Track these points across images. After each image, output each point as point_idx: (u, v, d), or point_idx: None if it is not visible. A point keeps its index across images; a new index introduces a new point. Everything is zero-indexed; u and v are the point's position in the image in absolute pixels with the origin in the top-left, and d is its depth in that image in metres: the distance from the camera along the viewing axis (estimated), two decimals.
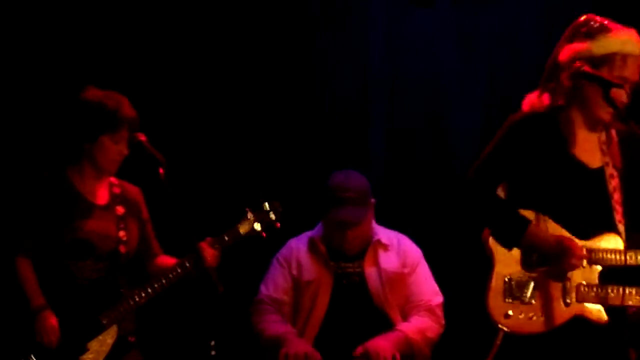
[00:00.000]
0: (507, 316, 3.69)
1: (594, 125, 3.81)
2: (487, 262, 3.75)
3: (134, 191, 4.73)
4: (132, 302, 4.47)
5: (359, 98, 6.16)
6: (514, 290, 3.71)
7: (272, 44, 6.05)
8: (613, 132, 3.85)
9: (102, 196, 4.64)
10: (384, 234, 5.17)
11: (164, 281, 4.48)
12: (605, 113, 3.75)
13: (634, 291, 3.76)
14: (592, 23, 3.78)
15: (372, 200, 5.12)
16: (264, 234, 4.62)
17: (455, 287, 5.28)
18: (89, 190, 4.60)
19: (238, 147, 5.98)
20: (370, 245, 5.11)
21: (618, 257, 3.76)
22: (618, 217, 3.77)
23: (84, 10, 5.82)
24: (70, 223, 4.49)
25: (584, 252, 3.73)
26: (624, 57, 3.72)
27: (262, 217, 4.61)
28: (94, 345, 4.44)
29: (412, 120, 6.18)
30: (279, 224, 4.61)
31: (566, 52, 3.77)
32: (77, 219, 4.51)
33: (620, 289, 3.75)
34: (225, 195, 5.79)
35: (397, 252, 5.15)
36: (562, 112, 3.79)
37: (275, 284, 5.09)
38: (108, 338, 4.46)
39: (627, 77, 3.72)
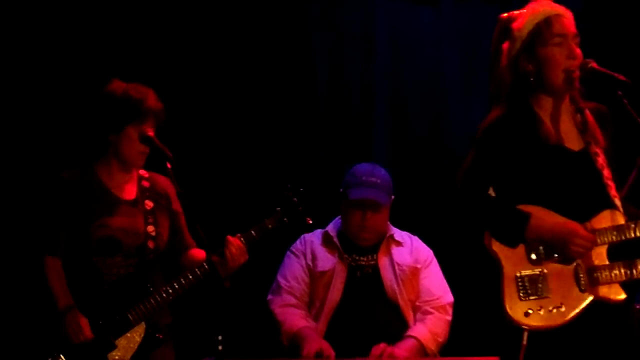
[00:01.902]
0: (527, 314, 3.66)
1: (562, 106, 3.84)
2: (494, 266, 3.72)
3: (165, 183, 4.66)
4: (159, 299, 4.47)
5: (363, 97, 6.18)
6: (527, 288, 3.69)
7: (274, 43, 6.06)
8: (587, 112, 3.88)
9: (130, 191, 4.63)
10: (397, 232, 5.24)
11: (191, 277, 4.48)
12: (567, 77, 3.78)
13: None
14: (504, 21, 3.86)
15: (392, 196, 5.17)
16: (310, 220, 4.67)
17: (459, 289, 5.28)
18: (116, 185, 4.61)
19: (243, 150, 6.00)
20: (384, 239, 5.16)
21: (622, 232, 3.77)
22: (612, 192, 3.79)
23: (87, 11, 5.85)
24: (97, 220, 4.50)
25: (589, 237, 3.72)
26: (547, 20, 3.80)
27: (291, 211, 4.65)
28: (121, 342, 4.47)
29: (415, 119, 6.20)
30: (309, 219, 4.68)
31: (503, 56, 3.82)
32: (104, 216, 4.52)
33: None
34: (233, 194, 5.83)
35: (410, 249, 5.22)
36: (530, 105, 3.81)
37: (293, 274, 5.13)
38: (136, 335, 4.48)
39: (564, 33, 3.79)
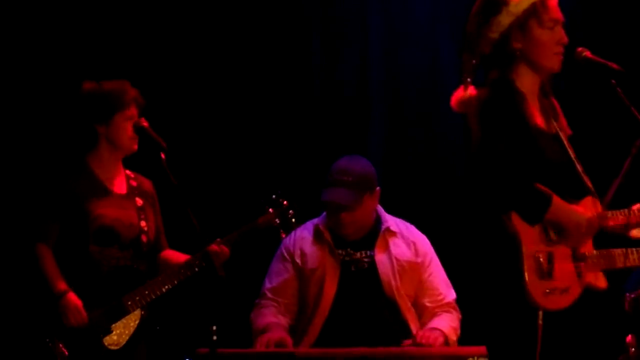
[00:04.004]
0: (545, 294, 3.60)
1: (538, 87, 3.81)
2: (512, 243, 3.61)
3: (149, 184, 4.83)
4: (156, 289, 4.57)
5: (359, 88, 6.18)
6: (544, 267, 3.62)
7: (268, 35, 6.06)
8: (553, 99, 3.87)
9: (121, 186, 4.73)
10: (392, 222, 5.15)
11: (188, 269, 4.59)
12: (556, 61, 3.77)
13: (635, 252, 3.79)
14: None
15: (377, 188, 5.09)
16: (283, 234, 4.85)
17: (456, 281, 5.26)
18: (108, 178, 4.70)
19: (237, 140, 6.00)
20: (380, 233, 5.08)
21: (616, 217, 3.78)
22: (586, 178, 3.79)
23: (83, 9, 5.85)
24: (95, 211, 4.58)
25: (597, 224, 3.72)
26: (543, 2, 3.75)
27: (281, 214, 4.78)
28: (117, 327, 4.53)
29: (410, 108, 6.19)
30: (295, 224, 4.84)
31: (493, 28, 3.76)
32: (101, 207, 4.60)
33: (624, 251, 3.78)
34: (228, 190, 5.83)
35: (406, 240, 5.13)
36: (513, 81, 3.77)
37: (278, 278, 5.07)
38: (131, 321, 4.55)
39: (557, 18, 3.76)
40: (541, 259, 3.64)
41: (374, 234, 5.10)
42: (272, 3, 6.13)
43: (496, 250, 3.68)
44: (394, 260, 5.04)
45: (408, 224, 5.21)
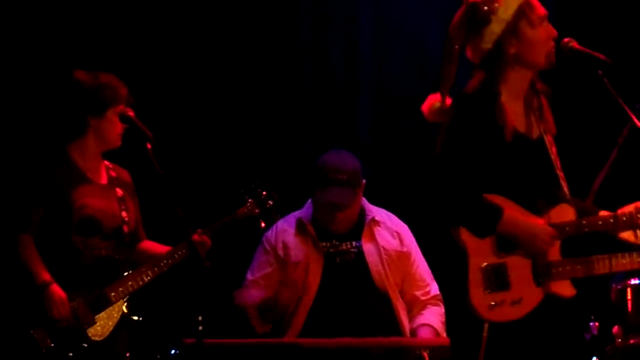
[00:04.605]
0: (491, 307, 3.63)
1: (524, 90, 3.82)
2: (461, 256, 3.66)
3: (127, 174, 4.84)
4: (139, 279, 4.58)
5: (348, 79, 6.17)
6: (492, 280, 3.65)
7: (258, 31, 6.04)
8: (542, 97, 3.88)
9: (102, 176, 4.72)
10: (376, 211, 5.14)
11: (170, 260, 4.63)
12: (551, 56, 3.79)
13: (617, 256, 3.79)
14: (479, 4, 3.79)
15: (363, 181, 5.07)
16: (263, 223, 4.82)
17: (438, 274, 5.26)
18: (89, 169, 4.69)
19: (224, 128, 5.98)
20: (366, 223, 5.06)
21: (578, 228, 3.76)
22: (564, 184, 3.80)
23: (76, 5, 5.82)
24: (78, 200, 4.57)
25: (553, 233, 3.71)
26: (527, 2, 3.78)
27: (260, 204, 4.80)
28: (101, 318, 4.53)
29: (398, 101, 6.19)
30: (275, 214, 4.87)
31: (486, 39, 3.78)
32: (85, 196, 4.59)
33: (609, 255, 3.78)
34: (213, 179, 5.81)
35: (390, 230, 5.11)
36: (493, 87, 3.77)
37: (260, 271, 5.06)
38: (115, 312, 4.56)
39: (543, 14, 3.79)
40: (489, 272, 3.66)
41: (360, 224, 5.08)
42: (261, 4, 6.10)
43: (446, 262, 3.73)
44: (382, 250, 5.03)
45: (390, 214, 5.20)
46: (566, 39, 3.86)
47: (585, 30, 3.99)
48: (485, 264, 3.66)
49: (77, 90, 4.64)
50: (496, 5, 3.78)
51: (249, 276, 5.08)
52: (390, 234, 5.11)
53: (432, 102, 3.87)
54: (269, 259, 5.06)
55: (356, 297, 4.96)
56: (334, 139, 5.69)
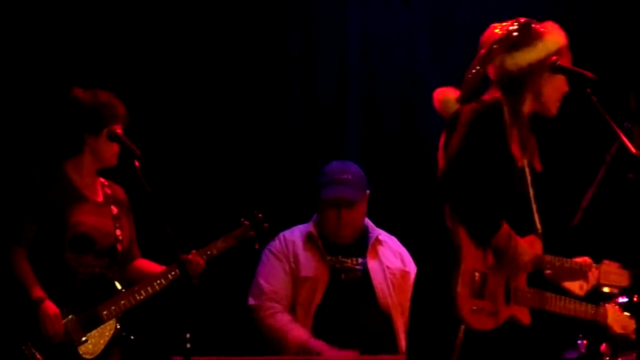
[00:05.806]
0: (473, 311, 3.66)
1: (525, 122, 3.86)
2: (452, 255, 3.67)
3: (122, 192, 4.83)
4: (131, 298, 4.57)
5: (337, 94, 6.17)
6: (478, 285, 3.68)
7: (247, 42, 6.04)
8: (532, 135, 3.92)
9: (97, 193, 4.72)
10: (379, 232, 5.19)
11: (163, 280, 4.62)
12: (557, 106, 3.87)
13: (568, 301, 3.90)
14: (530, 29, 3.85)
15: (367, 191, 5.13)
16: (257, 245, 4.83)
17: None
18: (85, 186, 4.69)
19: (216, 145, 5.98)
20: (370, 241, 5.11)
21: (540, 264, 3.86)
22: (536, 215, 3.85)
23: (71, 10, 5.82)
24: (72, 217, 4.57)
25: (531, 262, 3.77)
26: (565, 48, 3.87)
27: (256, 226, 4.79)
28: (93, 336, 4.53)
29: (388, 116, 6.19)
30: (269, 237, 4.88)
31: (524, 59, 3.81)
32: (80, 214, 4.59)
33: (556, 296, 3.87)
34: (204, 199, 5.80)
35: (393, 250, 5.18)
36: (509, 106, 3.80)
37: (276, 278, 5.05)
38: (106, 331, 4.56)
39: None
40: (477, 277, 3.68)
41: (364, 241, 5.11)
42: (250, 15, 6.10)
43: (437, 257, 3.73)
44: (386, 269, 5.08)
45: (391, 236, 5.27)
46: (553, 57, 3.87)
47: (573, 47, 4.01)
48: (474, 268, 3.69)
49: (75, 108, 4.65)
50: (546, 34, 3.82)
51: (266, 285, 5.04)
52: (393, 254, 5.18)
53: (448, 94, 3.88)
54: (284, 267, 5.08)
55: (358, 315, 4.99)
56: (321, 156, 5.68)
